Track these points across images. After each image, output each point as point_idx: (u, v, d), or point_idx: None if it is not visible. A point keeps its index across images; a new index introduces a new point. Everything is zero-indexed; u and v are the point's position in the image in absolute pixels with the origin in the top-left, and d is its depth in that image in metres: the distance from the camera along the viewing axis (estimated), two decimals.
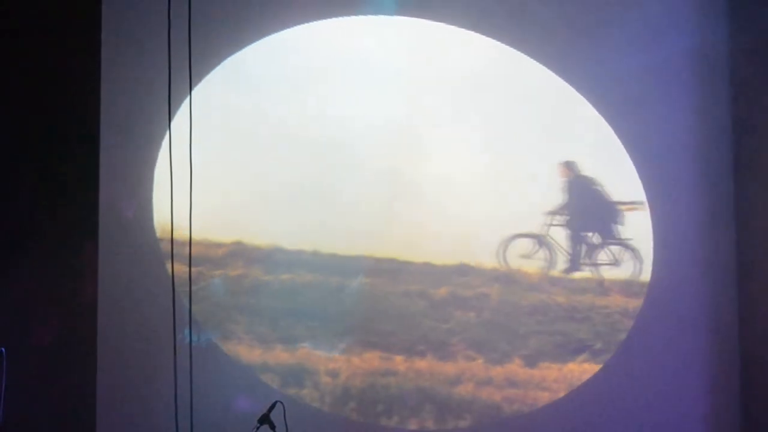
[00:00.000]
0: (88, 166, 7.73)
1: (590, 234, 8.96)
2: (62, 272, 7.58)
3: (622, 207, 8.92)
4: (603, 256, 8.94)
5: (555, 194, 8.85)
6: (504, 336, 8.65)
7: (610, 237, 8.95)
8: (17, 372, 6.33)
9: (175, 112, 7.20)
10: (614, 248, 8.94)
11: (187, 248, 6.74)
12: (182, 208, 6.65)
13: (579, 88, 8.86)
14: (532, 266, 8.76)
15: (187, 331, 7.27)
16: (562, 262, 8.84)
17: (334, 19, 8.53)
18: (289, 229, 8.21)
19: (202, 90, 7.90)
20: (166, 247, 7.08)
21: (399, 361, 8.44)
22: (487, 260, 8.71)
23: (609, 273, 8.90)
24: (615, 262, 8.93)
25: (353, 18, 8.56)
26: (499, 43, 8.74)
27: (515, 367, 8.65)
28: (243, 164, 8.20)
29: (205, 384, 7.14)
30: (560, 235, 8.86)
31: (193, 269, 7.81)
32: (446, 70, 8.65)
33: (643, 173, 8.94)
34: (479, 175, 8.66)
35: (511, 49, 8.77)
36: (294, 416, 6.58)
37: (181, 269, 6.93)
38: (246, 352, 8.11)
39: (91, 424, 7.52)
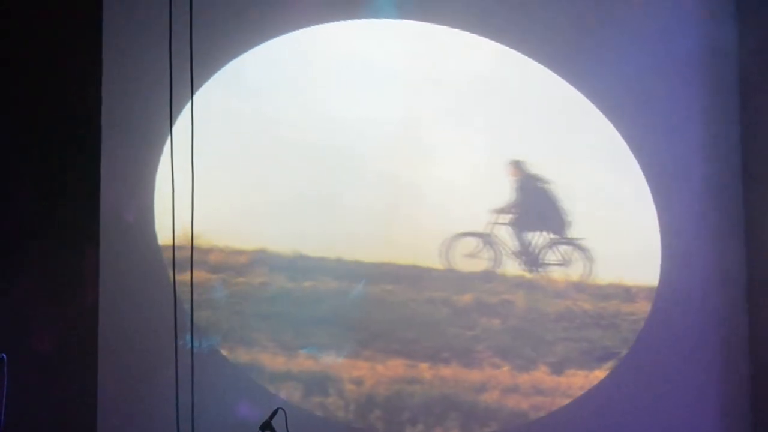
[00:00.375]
0: (89, 171, 7.73)
1: (539, 233, 8.89)
2: (63, 277, 7.58)
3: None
4: (552, 255, 8.87)
5: (561, 198, 8.85)
6: (529, 343, 8.63)
7: (559, 236, 8.89)
8: (18, 378, 6.32)
9: (176, 117, 7.20)
10: (564, 248, 8.87)
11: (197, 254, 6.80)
12: (184, 212, 6.64)
13: (584, 91, 8.83)
14: (478, 266, 8.67)
15: (188, 337, 7.27)
16: (509, 262, 8.76)
17: (336, 23, 8.51)
18: (302, 235, 8.21)
19: (203, 94, 7.89)
20: (170, 252, 7.05)
21: (424, 369, 8.44)
22: (510, 266, 8.72)
23: (630, 278, 8.86)
24: (564, 262, 8.84)
25: (355, 22, 8.55)
26: (502, 45, 8.73)
27: (541, 375, 8.63)
28: (245, 169, 8.18)
29: (207, 390, 7.14)
30: (507, 235, 8.78)
31: (215, 276, 7.91)
32: (449, 73, 8.64)
33: (651, 177, 8.91)
34: (483, 178, 8.65)
35: (515, 51, 8.75)
36: (295, 423, 6.56)
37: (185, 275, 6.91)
38: (270, 359, 8.12)
39: (91, 430, 7.51)
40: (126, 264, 7.80)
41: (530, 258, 8.75)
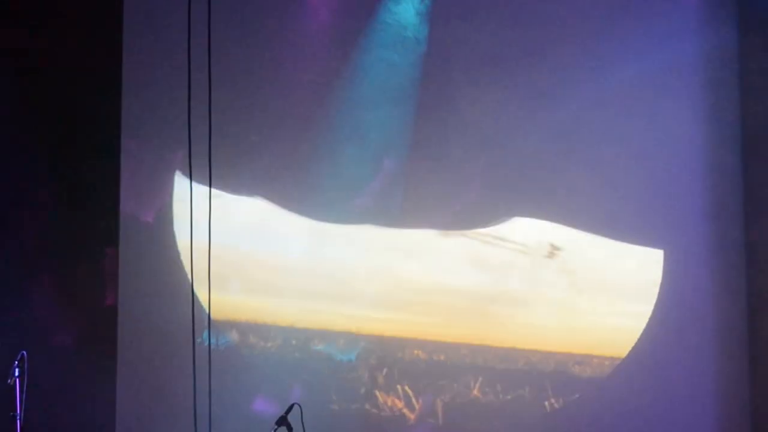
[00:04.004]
0: (108, 172, 7.80)
1: None
2: (83, 276, 7.66)
3: None
4: None
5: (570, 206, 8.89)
6: None
7: None
8: (38, 375, 6.38)
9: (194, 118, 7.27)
10: None
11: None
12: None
13: (588, 95, 8.87)
14: None
15: (206, 334, 7.34)
16: None
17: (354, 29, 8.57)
18: None
19: (221, 96, 7.92)
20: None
21: None
22: None
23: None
24: None
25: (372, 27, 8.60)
26: (508, 45, 8.74)
27: None
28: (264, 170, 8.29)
29: (224, 385, 7.21)
30: None
31: None
32: (456, 77, 8.68)
33: (654, 182, 8.94)
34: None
35: (520, 53, 8.77)
36: (310, 419, 6.63)
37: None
38: None
39: (110, 426, 7.59)
40: (145, 264, 7.84)
41: None
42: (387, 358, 8.36)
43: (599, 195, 8.88)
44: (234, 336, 8.04)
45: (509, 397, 8.55)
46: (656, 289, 8.94)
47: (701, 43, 9.03)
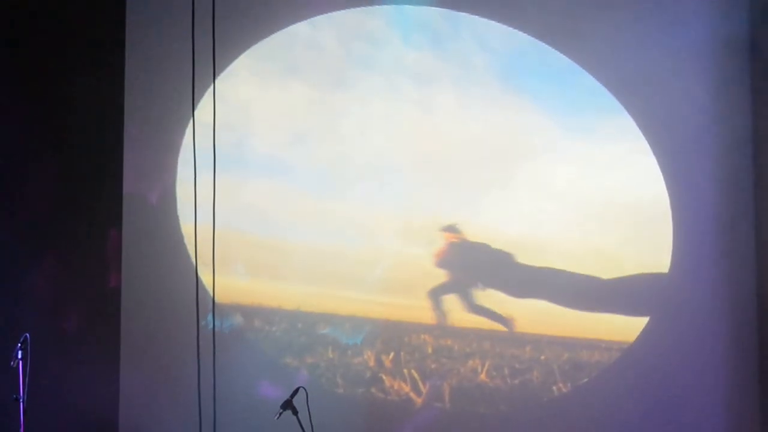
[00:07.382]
0: (112, 154, 7.81)
1: None
2: (87, 258, 7.68)
3: None
4: None
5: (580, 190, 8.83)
6: None
7: None
8: (42, 357, 6.37)
9: (198, 100, 7.27)
10: None
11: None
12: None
13: (600, 80, 8.81)
14: None
15: (210, 317, 7.34)
16: None
17: (360, 9, 8.53)
18: None
19: (225, 78, 7.93)
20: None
21: None
22: None
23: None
24: None
25: (375, 8, 8.57)
26: (518, 31, 8.72)
27: None
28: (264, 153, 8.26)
29: (229, 369, 7.20)
30: None
31: None
32: (466, 60, 8.65)
33: (665, 166, 8.88)
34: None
35: (532, 37, 8.74)
36: (315, 402, 6.61)
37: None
38: None
39: (114, 408, 7.60)
40: (148, 246, 7.85)
41: None
42: (393, 342, 8.34)
43: (607, 186, 8.82)
44: (239, 319, 8.05)
45: (517, 381, 8.50)
46: (665, 278, 8.89)
47: (711, 33, 8.97)
